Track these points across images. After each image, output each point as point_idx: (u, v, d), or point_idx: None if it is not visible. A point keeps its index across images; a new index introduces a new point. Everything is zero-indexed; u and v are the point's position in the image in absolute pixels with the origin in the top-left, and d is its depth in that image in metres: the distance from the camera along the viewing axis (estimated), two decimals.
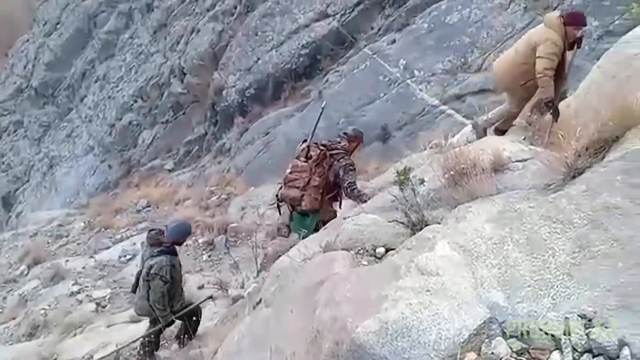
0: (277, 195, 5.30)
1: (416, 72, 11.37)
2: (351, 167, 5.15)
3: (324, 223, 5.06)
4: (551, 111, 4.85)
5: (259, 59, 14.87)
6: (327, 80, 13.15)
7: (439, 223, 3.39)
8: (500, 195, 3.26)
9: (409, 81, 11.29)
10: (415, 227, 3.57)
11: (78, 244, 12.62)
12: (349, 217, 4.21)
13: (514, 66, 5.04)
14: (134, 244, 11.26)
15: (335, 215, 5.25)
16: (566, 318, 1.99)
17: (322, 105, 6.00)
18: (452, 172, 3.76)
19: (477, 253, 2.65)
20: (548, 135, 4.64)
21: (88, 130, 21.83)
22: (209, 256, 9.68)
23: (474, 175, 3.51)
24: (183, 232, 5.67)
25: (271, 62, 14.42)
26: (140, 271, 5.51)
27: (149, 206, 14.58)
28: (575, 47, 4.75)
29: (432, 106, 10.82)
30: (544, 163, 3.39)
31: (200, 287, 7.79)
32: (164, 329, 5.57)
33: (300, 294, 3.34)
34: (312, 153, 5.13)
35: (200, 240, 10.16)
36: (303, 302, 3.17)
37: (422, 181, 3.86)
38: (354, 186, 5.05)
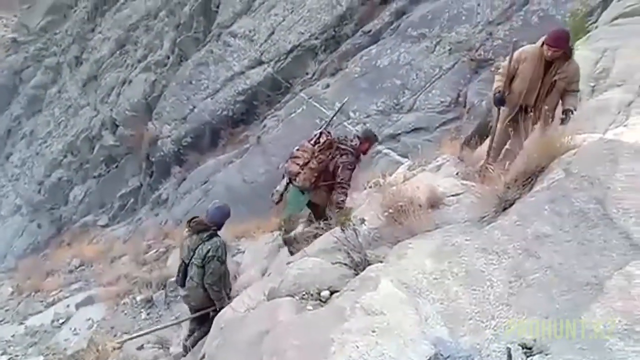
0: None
1: (352, 114, 11.66)
2: (349, 167, 5.47)
3: (314, 205, 5.49)
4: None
5: (194, 107, 14.80)
6: (265, 126, 13.22)
7: (381, 262, 3.39)
8: (438, 230, 3.33)
9: (345, 123, 11.54)
10: (359, 267, 3.56)
11: (6, 310, 11.72)
12: (291, 262, 4.15)
13: None
14: (68, 306, 10.56)
15: (326, 203, 5.50)
16: (508, 349, 2.01)
17: (344, 101, 6.15)
18: (390, 210, 3.82)
19: (420, 289, 2.66)
20: (479, 169, 4.80)
21: (15, 189, 20.70)
22: (148, 314, 9.20)
23: (411, 212, 3.58)
24: (225, 214, 5.66)
25: (207, 110, 14.37)
26: (185, 263, 5.47)
27: (83, 265, 13.82)
28: (553, 66, 4.55)
29: None
30: (476, 196, 3.50)
31: (140, 348, 7.34)
32: (219, 311, 5.30)
33: (245, 346, 3.21)
34: (321, 139, 5.50)
35: (138, 298, 9.65)
36: (248, 354, 3.05)
37: (362, 221, 3.90)
38: (345, 185, 5.41)
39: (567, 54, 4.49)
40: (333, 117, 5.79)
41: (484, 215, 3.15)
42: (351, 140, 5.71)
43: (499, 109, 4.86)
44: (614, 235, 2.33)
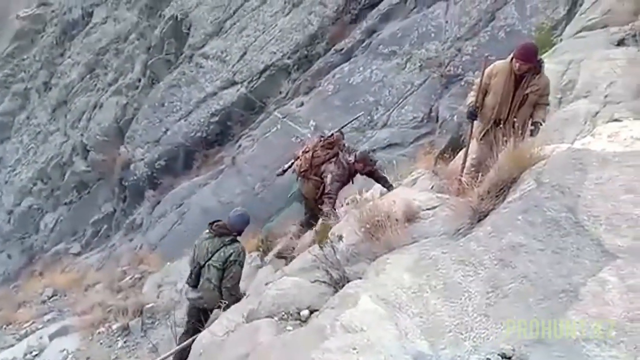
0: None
1: (327, 132, 11.70)
2: (337, 179, 5.76)
3: (304, 196, 5.91)
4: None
5: (167, 129, 14.67)
6: (240, 146, 13.18)
7: (360, 278, 3.38)
8: (415, 244, 3.33)
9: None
10: (338, 284, 3.54)
11: None
12: (270, 282, 4.11)
13: None
14: (41, 337, 10.20)
15: (312, 196, 5.89)
16: (487, 359, 2.01)
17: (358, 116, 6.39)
18: (368, 226, 3.82)
19: (399, 304, 2.65)
20: (454, 181, 4.85)
21: None
22: (125, 342, 8.94)
23: (388, 226, 3.59)
24: (245, 222, 5.79)
25: (180, 132, 14.27)
26: (200, 264, 5.50)
27: (56, 295, 13.40)
28: (524, 80, 4.61)
29: None
30: (451, 209, 3.53)
31: None
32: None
33: None
34: (328, 137, 5.94)
35: (114, 327, 9.38)
36: None
37: (340, 237, 3.89)
38: (332, 196, 5.71)
39: (537, 68, 4.57)
40: (351, 121, 6.95)
41: (460, 228, 3.18)
42: (349, 155, 5.99)
43: (471, 124, 4.94)
44: (586, 242, 2.37)
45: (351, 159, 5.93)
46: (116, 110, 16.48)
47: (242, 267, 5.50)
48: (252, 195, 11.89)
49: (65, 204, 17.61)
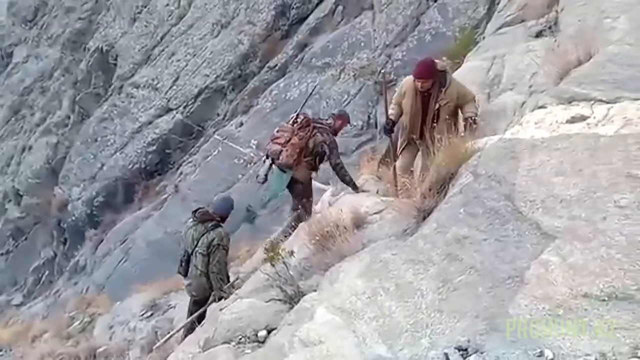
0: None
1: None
2: (334, 145, 5.66)
3: (295, 183, 5.69)
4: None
5: (103, 164, 14.21)
6: (181, 173, 12.93)
7: (315, 290, 3.34)
8: (365, 250, 3.34)
9: (263, 158, 11.54)
10: (293, 300, 3.50)
11: None
12: (224, 307, 4.00)
13: None
14: None
15: (310, 178, 5.80)
16: (445, 354, 2.02)
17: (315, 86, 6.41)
18: (318, 237, 3.80)
19: (355, 310, 2.64)
20: (396, 184, 4.91)
21: None
22: None
23: (338, 235, 3.58)
24: (229, 206, 5.89)
25: (117, 166, 13.85)
26: (187, 252, 5.58)
27: (1, 351, 12.57)
28: (432, 96, 4.59)
29: None
30: (397, 211, 3.56)
31: None
32: (218, 301, 5.35)
33: None
34: (298, 119, 5.70)
35: None
36: None
37: (291, 253, 3.84)
38: (341, 165, 5.57)
39: (442, 81, 4.57)
40: (307, 100, 6.69)
41: (407, 228, 3.21)
42: (326, 120, 6.02)
43: (390, 138, 5.09)
44: (525, 227, 2.43)
45: (330, 121, 5.94)
46: (47, 151, 15.84)
47: (226, 251, 5.56)
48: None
49: (2, 254, 16.69)
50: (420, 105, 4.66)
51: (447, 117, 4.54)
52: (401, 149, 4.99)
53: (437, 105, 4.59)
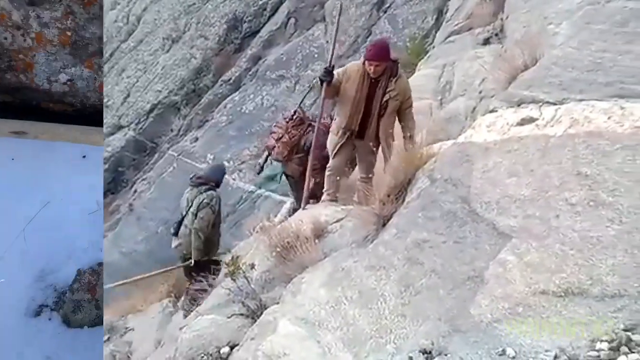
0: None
1: (226, 163, 11.52)
2: (316, 146, 5.47)
3: (287, 176, 5.91)
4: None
5: None
6: (135, 191, 12.59)
7: (277, 303, 3.30)
8: (327, 259, 3.33)
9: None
10: (256, 314, 3.45)
11: None
12: (184, 326, 3.90)
13: None
14: None
15: (301, 174, 5.61)
16: (410, 357, 2.01)
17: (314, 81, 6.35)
18: (278, 249, 3.76)
19: (318, 321, 2.61)
20: (356, 192, 4.91)
21: None
22: None
23: (299, 246, 3.55)
24: (221, 171, 6.29)
25: None
26: (182, 214, 5.79)
27: None
28: (379, 85, 4.23)
29: (249, 192, 11.00)
30: (357, 218, 3.57)
31: None
32: (194, 263, 5.61)
33: None
34: (294, 116, 5.74)
35: None
36: None
37: (252, 266, 3.79)
38: (316, 167, 5.37)
39: (394, 69, 4.25)
40: (306, 95, 7.12)
41: (367, 235, 3.21)
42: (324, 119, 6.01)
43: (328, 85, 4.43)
44: (482, 228, 2.47)
45: (327, 121, 5.93)
46: None
47: (214, 213, 5.72)
48: (156, 240, 11.33)
49: None
50: (365, 93, 4.25)
51: (392, 111, 4.29)
52: (336, 150, 4.58)
53: (386, 97, 4.25)
